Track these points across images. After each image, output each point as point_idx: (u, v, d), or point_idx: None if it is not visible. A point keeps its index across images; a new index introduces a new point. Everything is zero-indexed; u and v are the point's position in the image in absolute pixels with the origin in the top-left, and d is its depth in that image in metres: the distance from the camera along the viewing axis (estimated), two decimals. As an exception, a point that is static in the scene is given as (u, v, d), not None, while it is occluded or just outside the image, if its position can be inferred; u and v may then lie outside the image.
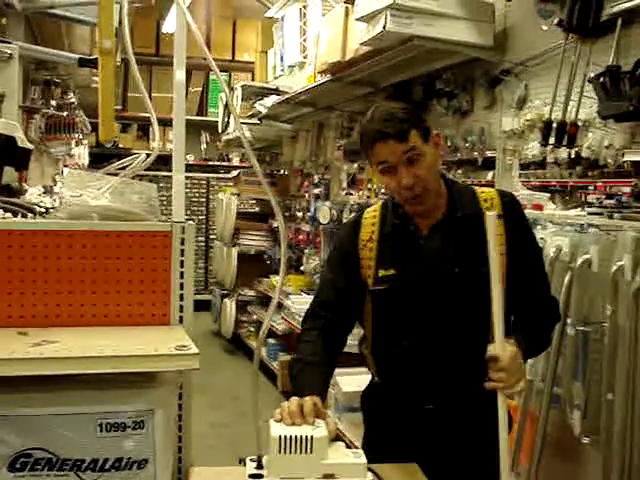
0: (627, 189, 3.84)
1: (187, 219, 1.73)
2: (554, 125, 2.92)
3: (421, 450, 1.89)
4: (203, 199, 10.02)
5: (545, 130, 2.94)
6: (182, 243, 1.68)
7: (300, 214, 6.76)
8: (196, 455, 1.81)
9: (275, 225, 7.38)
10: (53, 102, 4.55)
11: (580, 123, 2.86)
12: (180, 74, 1.74)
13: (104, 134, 1.72)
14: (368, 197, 5.12)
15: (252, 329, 7.37)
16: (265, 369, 6.22)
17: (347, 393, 4.35)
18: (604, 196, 3.59)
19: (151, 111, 1.83)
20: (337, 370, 5.08)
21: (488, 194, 1.93)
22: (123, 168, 1.80)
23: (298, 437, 1.47)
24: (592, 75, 2.74)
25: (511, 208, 1.91)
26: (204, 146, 10.31)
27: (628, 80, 2.61)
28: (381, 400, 2.03)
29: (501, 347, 1.68)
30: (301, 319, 5.49)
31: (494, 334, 1.68)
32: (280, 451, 1.47)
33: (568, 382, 2.52)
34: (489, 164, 3.71)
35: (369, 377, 2.12)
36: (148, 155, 1.81)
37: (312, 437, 1.47)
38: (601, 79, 2.68)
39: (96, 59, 2.20)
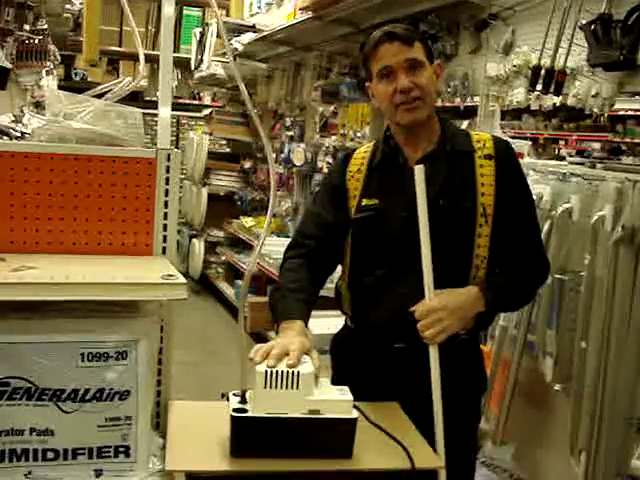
0: (597, 145, 3.83)
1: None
2: (542, 72, 2.88)
3: (392, 392, 1.86)
4: (173, 137, 9.82)
5: (533, 76, 2.91)
6: (167, 171, 1.62)
7: (273, 155, 6.67)
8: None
9: (247, 166, 7.29)
10: (27, 27, 4.37)
11: (568, 71, 2.83)
12: (169, 8, 1.66)
13: (88, 54, 1.63)
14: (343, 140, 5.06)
15: (220, 270, 7.35)
16: (233, 310, 6.19)
17: (316, 335, 4.35)
18: (574, 151, 3.59)
19: (138, 42, 1.76)
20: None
21: (482, 136, 1.92)
22: (105, 93, 1.72)
23: (284, 372, 1.45)
24: (583, 22, 2.71)
25: (504, 152, 1.89)
26: (175, 83, 10.05)
27: (620, 29, 2.58)
28: (352, 343, 2.01)
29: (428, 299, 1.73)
30: (272, 261, 5.43)
31: (425, 287, 1.72)
32: (265, 386, 1.44)
33: (542, 329, 2.54)
34: (468, 112, 3.68)
35: (339, 320, 2.10)
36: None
37: (299, 373, 1.45)
38: (592, 26, 2.65)
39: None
